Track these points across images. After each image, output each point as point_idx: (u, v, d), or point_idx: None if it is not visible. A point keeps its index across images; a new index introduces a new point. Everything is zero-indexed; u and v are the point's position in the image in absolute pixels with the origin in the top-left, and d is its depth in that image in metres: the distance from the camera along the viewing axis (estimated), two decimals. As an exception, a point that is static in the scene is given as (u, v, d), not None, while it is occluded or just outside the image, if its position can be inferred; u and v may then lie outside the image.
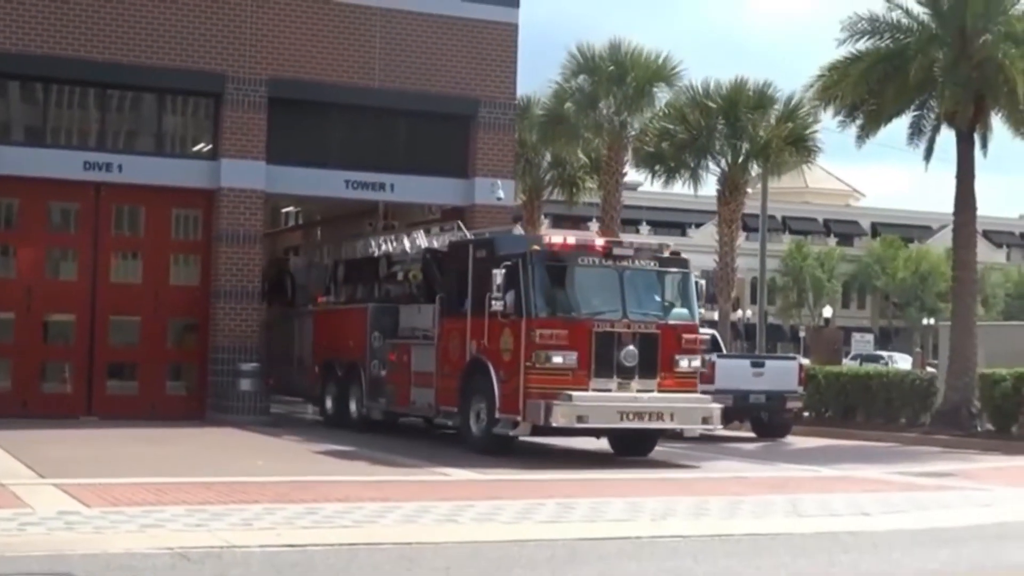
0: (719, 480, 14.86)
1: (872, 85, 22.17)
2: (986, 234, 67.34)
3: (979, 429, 21.92)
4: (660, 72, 31.18)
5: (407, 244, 19.92)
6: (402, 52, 23.32)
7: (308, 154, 23.41)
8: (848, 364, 37.98)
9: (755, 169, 31.73)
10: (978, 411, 22.22)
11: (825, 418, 24.18)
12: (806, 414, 23.68)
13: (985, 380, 22.38)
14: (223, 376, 22.07)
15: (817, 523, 11.01)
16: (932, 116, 23.29)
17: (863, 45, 22.91)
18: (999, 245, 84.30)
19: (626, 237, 17.97)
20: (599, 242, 16.99)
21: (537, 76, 35.49)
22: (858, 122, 24.16)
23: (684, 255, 17.41)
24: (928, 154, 23.82)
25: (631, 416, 15.15)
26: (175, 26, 21.81)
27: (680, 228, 73.83)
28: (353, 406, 19.92)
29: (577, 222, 56.09)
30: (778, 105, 30.07)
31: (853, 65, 22.43)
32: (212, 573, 8.31)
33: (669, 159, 30.77)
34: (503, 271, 15.28)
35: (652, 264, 16.31)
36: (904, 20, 22.83)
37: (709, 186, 31.08)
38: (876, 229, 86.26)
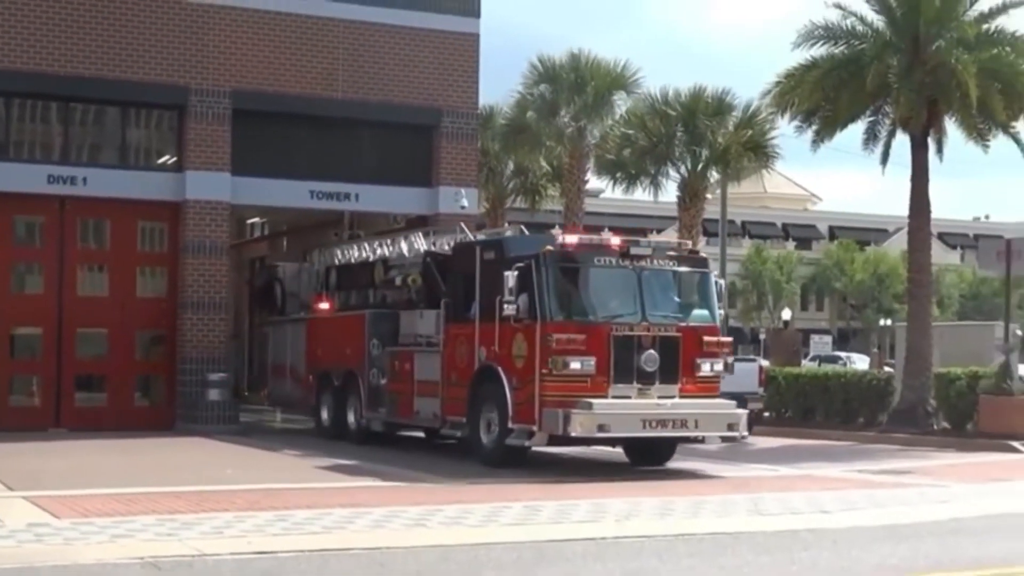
0: (683, 481, 14.75)
1: (827, 91, 22.47)
2: (941, 236, 67.96)
3: (935, 427, 22.16)
4: (619, 80, 31.73)
5: (404, 248, 19.21)
6: (365, 63, 23.42)
7: (273, 165, 23.40)
8: (807, 365, 38.40)
9: (714, 175, 31.94)
10: (934, 410, 22.46)
11: (785, 418, 24.35)
12: (766, 415, 23.77)
13: (940, 379, 22.66)
14: (191, 387, 21.97)
15: (778, 521, 11.06)
16: (887, 121, 23.57)
17: (818, 52, 23.27)
18: (954, 247, 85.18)
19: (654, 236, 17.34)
20: (615, 241, 15.64)
21: (500, 86, 35.70)
22: (814, 128, 24.35)
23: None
24: (884, 159, 24.19)
25: (654, 424, 14.47)
26: (138, 39, 21.66)
27: (642, 234, 73.21)
28: (351, 417, 19.23)
29: (540, 229, 56.37)
30: (736, 112, 30.05)
31: (809, 72, 22.72)
32: None
33: (630, 166, 30.92)
34: (515, 273, 14.51)
35: (671, 264, 15.59)
36: (859, 27, 23.15)
37: (669, 192, 31.20)
38: (833, 232, 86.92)
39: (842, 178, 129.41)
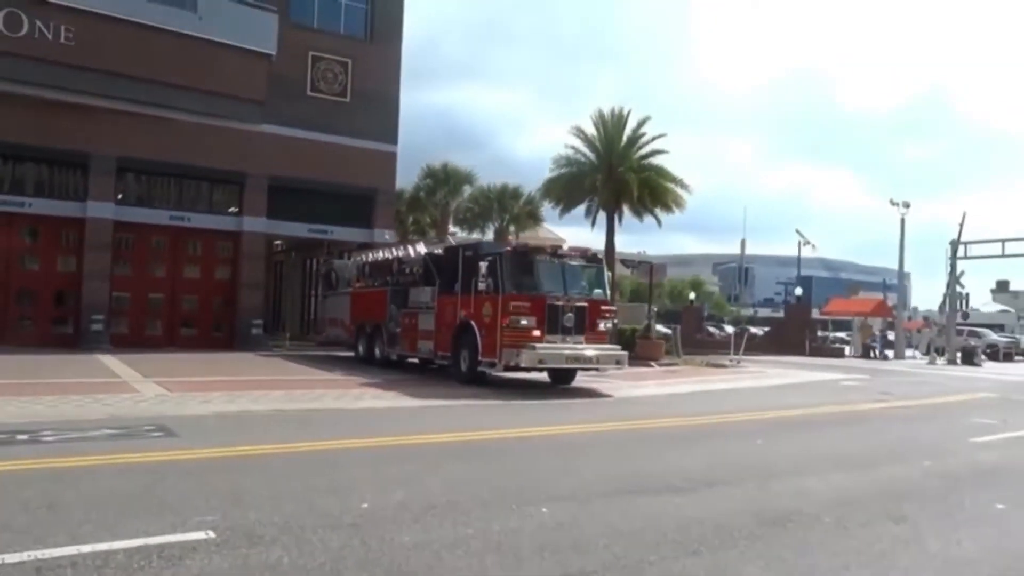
0: (554, 399, 14.27)
1: (565, 190, 28.19)
2: (623, 261, 74.75)
3: None
4: (467, 178, 35.91)
5: (411, 251, 19.23)
6: (340, 164, 25.68)
7: (288, 214, 25.64)
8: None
9: (512, 229, 35.67)
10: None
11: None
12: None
13: (620, 331, 26.26)
14: (244, 327, 24.67)
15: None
16: (595, 206, 27.92)
17: (562, 170, 29.41)
18: (628, 267, 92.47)
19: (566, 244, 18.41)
20: (550, 246, 16.75)
21: (407, 177, 40.03)
22: (560, 207, 29.01)
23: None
24: (593, 224, 28.59)
25: (572, 359, 14.78)
26: (221, 145, 23.91)
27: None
28: (377, 351, 19.27)
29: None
30: (523, 197, 35.17)
31: (557, 180, 28.71)
32: (235, 423, 9.54)
33: (470, 224, 35.65)
34: (487, 263, 14.86)
35: (581, 261, 15.73)
36: (581, 159, 29.16)
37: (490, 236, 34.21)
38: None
39: (575, 232, 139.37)
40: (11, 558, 4.48)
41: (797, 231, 64.47)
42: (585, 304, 15.17)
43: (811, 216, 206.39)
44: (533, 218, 35.23)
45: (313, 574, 4.53)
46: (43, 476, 6.66)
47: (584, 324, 15.04)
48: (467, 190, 36.44)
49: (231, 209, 25.48)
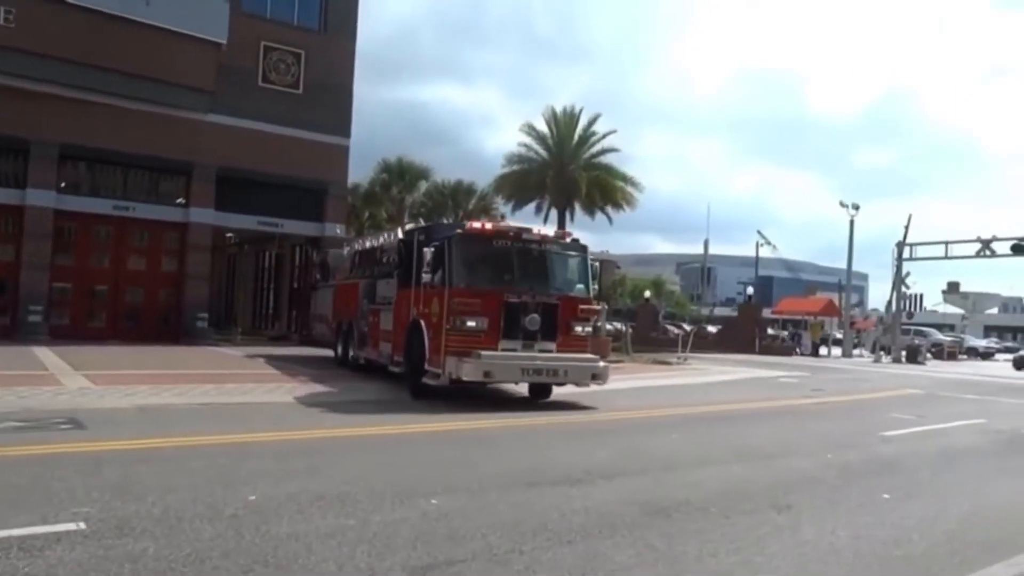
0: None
1: (517, 187, 28.89)
2: None
3: None
4: (423, 174, 35.67)
5: (392, 237, 16.39)
6: (292, 156, 25.18)
7: (237, 206, 25.17)
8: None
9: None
10: None
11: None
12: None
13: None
14: (189, 320, 24.35)
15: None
16: (547, 203, 29.11)
17: (514, 167, 29.84)
18: None
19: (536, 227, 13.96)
20: (511, 228, 13.29)
21: (362, 171, 39.85)
22: (512, 203, 30.80)
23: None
24: (545, 221, 28.99)
25: (531, 372, 11.99)
26: (170, 135, 23.42)
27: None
28: (351, 352, 17.25)
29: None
30: (477, 193, 34.95)
31: (508, 176, 28.98)
32: (152, 417, 9.51)
33: (425, 218, 34.57)
34: (431, 250, 12.47)
35: (555, 248, 12.97)
36: (533, 155, 29.63)
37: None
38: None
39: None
40: None
41: (758, 232, 65.42)
42: (555, 302, 12.38)
43: (775, 217, 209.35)
44: (486, 214, 35.26)
45: (175, 564, 4.52)
46: None
47: (555, 327, 12.30)
48: (423, 185, 36.36)
49: (178, 200, 25.00)
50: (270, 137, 25.30)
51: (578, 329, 12.75)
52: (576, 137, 28.19)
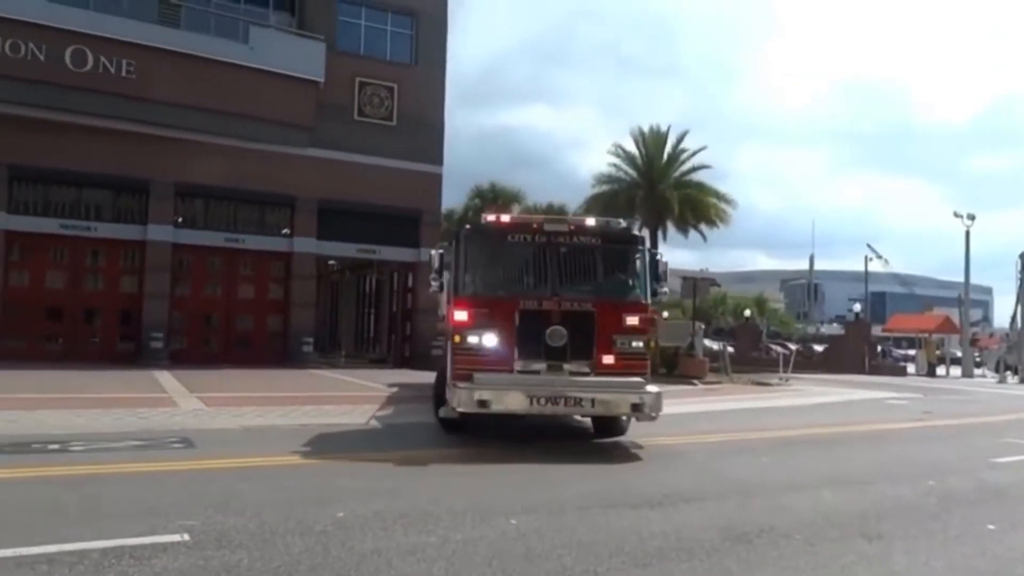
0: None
1: (606, 207, 28.39)
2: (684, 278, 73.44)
3: (659, 373, 23.85)
4: (515, 198, 35.77)
5: None
6: (388, 186, 25.67)
7: (338, 235, 25.96)
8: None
9: None
10: (659, 363, 24.88)
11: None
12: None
13: (662, 349, 25.77)
14: (295, 344, 25.06)
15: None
16: (638, 224, 29.60)
17: (603, 187, 29.78)
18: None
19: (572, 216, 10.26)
20: (534, 219, 10.67)
21: (456, 197, 40.27)
22: None
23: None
24: None
25: (542, 402, 9.20)
26: (275, 171, 24.43)
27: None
28: None
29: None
30: (569, 214, 35.36)
31: (598, 197, 28.69)
32: (256, 437, 9.88)
33: None
34: (439, 252, 10.62)
35: (594, 240, 10.07)
36: (622, 175, 29.70)
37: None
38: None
39: None
40: (-2, 553, 4.94)
41: (868, 245, 62.59)
42: (589, 309, 9.57)
43: (885, 230, 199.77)
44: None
45: (266, 575, 4.85)
46: (58, 481, 7.23)
47: (590, 342, 9.48)
48: (516, 209, 36.18)
49: (283, 231, 26.10)
50: (366, 168, 26.07)
51: (624, 344, 9.63)
52: (665, 156, 28.08)
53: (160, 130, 23.41)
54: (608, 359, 9.60)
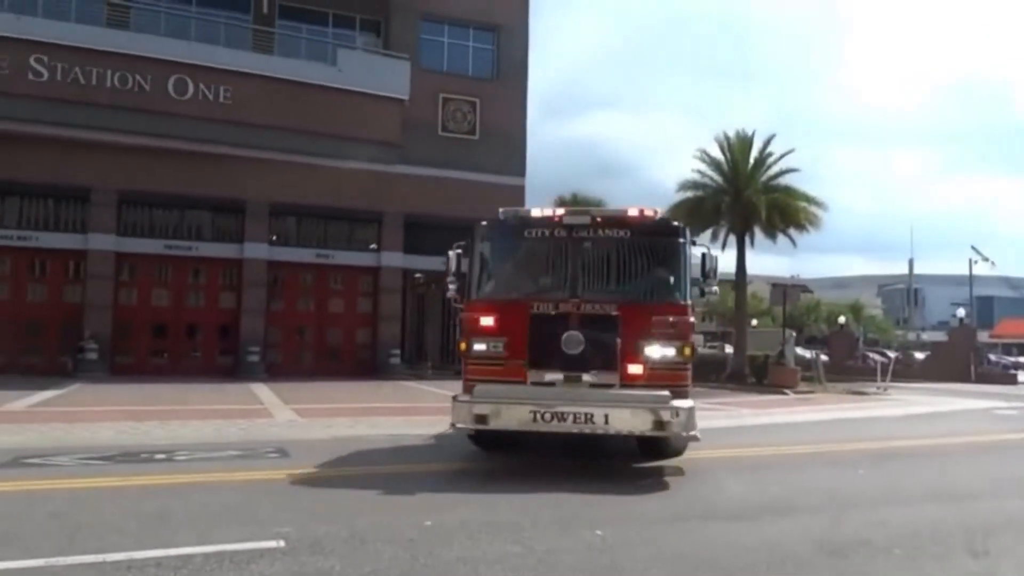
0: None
1: (691, 214, 27.48)
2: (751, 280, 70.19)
3: (748, 382, 25.46)
4: (598, 206, 35.70)
5: None
6: (471, 199, 25.01)
7: (424, 248, 25.58)
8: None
9: None
10: (748, 372, 26.37)
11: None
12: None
13: (752, 357, 27.08)
14: (383, 356, 25.60)
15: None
16: (724, 230, 27.47)
17: (687, 194, 28.81)
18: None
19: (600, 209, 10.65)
20: (549, 211, 9.20)
21: (541, 204, 40.09)
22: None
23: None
24: (723, 248, 27.50)
25: (547, 418, 8.03)
26: (365, 188, 25.32)
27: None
28: None
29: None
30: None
31: (681, 204, 27.61)
32: (347, 447, 9.96)
33: None
34: (456, 252, 9.55)
35: (622, 234, 8.68)
36: (707, 182, 28.66)
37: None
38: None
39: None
40: (112, 557, 5.29)
41: (973, 247, 59.41)
42: (613, 312, 8.28)
43: (990, 232, 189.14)
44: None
45: (357, 581, 4.99)
46: (164, 490, 7.63)
47: (613, 350, 8.18)
48: (599, 219, 36.49)
49: (371, 246, 26.89)
50: (451, 182, 26.60)
51: (656, 352, 8.21)
52: (752, 160, 27.32)
53: (255, 152, 24.46)
54: (635, 369, 8.22)
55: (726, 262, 29.94)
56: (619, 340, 8.22)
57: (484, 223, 9.33)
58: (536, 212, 9.09)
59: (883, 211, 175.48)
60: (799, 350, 31.09)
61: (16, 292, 23.93)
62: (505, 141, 27.77)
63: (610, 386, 8.21)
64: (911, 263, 59.27)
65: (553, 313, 8.42)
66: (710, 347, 33.35)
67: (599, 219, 8.87)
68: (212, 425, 12.03)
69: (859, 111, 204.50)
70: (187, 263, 25.49)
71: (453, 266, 9.47)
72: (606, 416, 8.01)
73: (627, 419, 8.04)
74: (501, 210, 9.29)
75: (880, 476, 9.68)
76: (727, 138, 27.85)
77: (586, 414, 8.03)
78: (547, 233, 8.83)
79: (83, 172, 23.32)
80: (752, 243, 27.88)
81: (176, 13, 25.27)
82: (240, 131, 23.75)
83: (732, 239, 27.99)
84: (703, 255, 9.06)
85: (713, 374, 25.69)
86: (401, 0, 27.03)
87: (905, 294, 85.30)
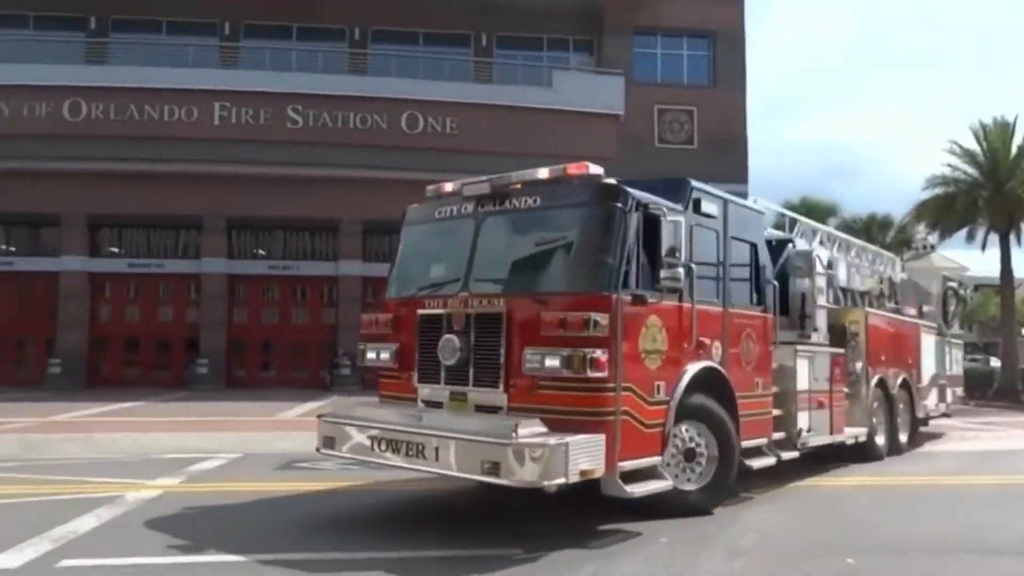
0: None
1: (940, 212, 24.80)
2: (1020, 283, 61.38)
3: (1021, 399, 22.71)
4: (829, 211, 34.51)
5: None
6: None
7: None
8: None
9: None
10: (1021, 388, 23.43)
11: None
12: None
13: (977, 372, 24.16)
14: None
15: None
16: (983, 228, 24.86)
17: (936, 190, 26.04)
18: None
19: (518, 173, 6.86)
20: (452, 185, 7.18)
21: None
22: (936, 231, 26.40)
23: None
24: (983, 248, 25.51)
25: (382, 447, 6.21)
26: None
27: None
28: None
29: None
30: (895, 224, 33.22)
31: (929, 203, 25.00)
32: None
33: None
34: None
35: (533, 202, 6.50)
36: (959, 175, 25.66)
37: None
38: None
39: (967, 258, 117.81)
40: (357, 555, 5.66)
41: None
42: (497, 310, 6.24)
43: None
44: (907, 247, 32.12)
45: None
46: (297, 496, 7.83)
47: (496, 360, 6.20)
48: (831, 223, 34.19)
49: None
50: (669, 194, 26.27)
51: (535, 363, 5.93)
52: (1015, 148, 24.23)
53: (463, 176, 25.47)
54: (521, 384, 6.03)
55: (988, 264, 27.07)
56: (502, 347, 6.13)
57: (410, 207, 7.61)
58: (448, 186, 7.17)
59: None
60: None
61: (283, 317, 27.19)
62: (725, 148, 26.57)
63: (496, 409, 6.14)
64: None
65: (439, 313, 6.54)
66: (971, 359, 29.88)
67: (508, 187, 6.66)
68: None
69: None
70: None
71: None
72: (437, 451, 5.83)
73: (454, 457, 5.77)
74: (428, 188, 7.45)
75: None
76: (983, 126, 25.04)
77: (417, 446, 5.95)
78: (454, 211, 6.97)
79: (334, 206, 25.57)
80: (1020, 241, 24.93)
81: (404, 55, 27.19)
82: (465, 158, 24.88)
83: (993, 238, 24.98)
84: (652, 222, 6.23)
85: (977, 391, 23.11)
86: (613, 17, 26.95)
87: None
